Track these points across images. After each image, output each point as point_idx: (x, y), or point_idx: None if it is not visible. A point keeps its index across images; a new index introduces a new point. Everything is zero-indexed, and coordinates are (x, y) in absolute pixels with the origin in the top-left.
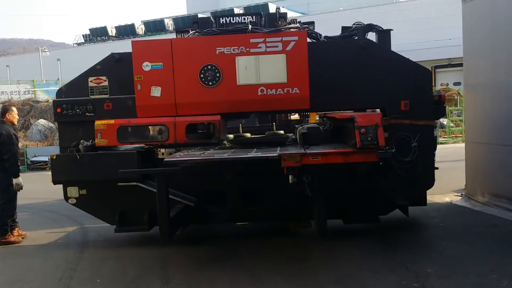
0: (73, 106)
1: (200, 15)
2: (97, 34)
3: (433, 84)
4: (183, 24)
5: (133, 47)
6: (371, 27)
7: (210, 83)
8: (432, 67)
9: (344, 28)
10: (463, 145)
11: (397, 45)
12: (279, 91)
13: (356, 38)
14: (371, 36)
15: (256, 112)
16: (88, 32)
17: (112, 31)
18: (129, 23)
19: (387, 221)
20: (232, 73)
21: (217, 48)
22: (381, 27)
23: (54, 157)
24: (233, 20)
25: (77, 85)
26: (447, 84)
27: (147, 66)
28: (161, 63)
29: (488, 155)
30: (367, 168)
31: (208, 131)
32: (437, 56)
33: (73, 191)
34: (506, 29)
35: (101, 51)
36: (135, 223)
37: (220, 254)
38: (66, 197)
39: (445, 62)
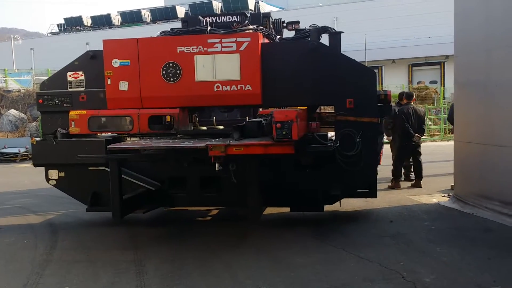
0: (53, 98)
1: (178, 7)
2: (72, 24)
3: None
4: (161, 15)
5: (104, 45)
6: (325, 29)
7: (172, 79)
8: (409, 65)
9: (297, 30)
10: (441, 143)
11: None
12: (233, 88)
13: (309, 39)
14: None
15: (212, 106)
16: (63, 22)
17: (87, 21)
18: (105, 13)
19: (376, 223)
20: (191, 71)
21: (178, 47)
22: (334, 29)
23: (35, 142)
24: (219, 19)
25: (58, 79)
26: (424, 83)
27: (116, 62)
28: (129, 60)
29: (479, 155)
30: (310, 160)
31: (169, 122)
32: (414, 54)
33: (54, 174)
34: (502, 24)
35: (75, 41)
36: (106, 205)
37: (197, 256)
38: (47, 179)
39: (422, 60)
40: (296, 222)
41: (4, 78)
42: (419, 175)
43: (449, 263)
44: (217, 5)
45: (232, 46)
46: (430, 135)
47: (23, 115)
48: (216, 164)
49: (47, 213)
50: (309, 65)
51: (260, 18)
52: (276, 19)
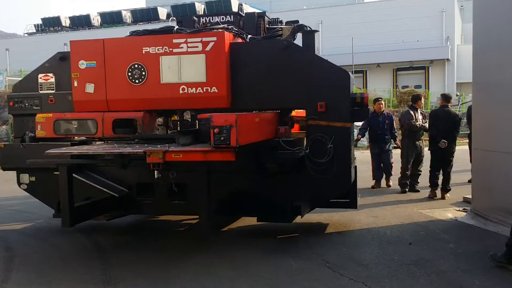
0: (23, 100)
1: (159, 8)
2: (50, 24)
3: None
4: (142, 16)
5: (71, 46)
6: (300, 27)
7: (137, 81)
8: (393, 69)
9: (269, 29)
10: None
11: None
12: (199, 90)
13: (281, 38)
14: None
15: (178, 110)
16: (41, 22)
17: (66, 22)
18: (84, 13)
19: (392, 246)
20: (157, 72)
21: (143, 48)
22: (309, 27)
23: (3, 146)
24: (213, 19)
25: (30, 81)
26: (413, 87)
27: (82, 64)
28: (95, 62)
29: (503, 166)
30: (276, 167)
31: (133, 126)
32: (399, 59)
33: (25, 178)
34: None
35: (53, 42)
36: None
37: (171, 266)
38: (19, 183)
39: (407, 65)
40: (296, 243)
41: None
42: (444, 188)
43: None
44: (200, 7)
45: (197, 46)
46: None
47: None
48: (155, 172)
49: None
50: (279, 66)
51: (255, 18)
52: (273, 18)
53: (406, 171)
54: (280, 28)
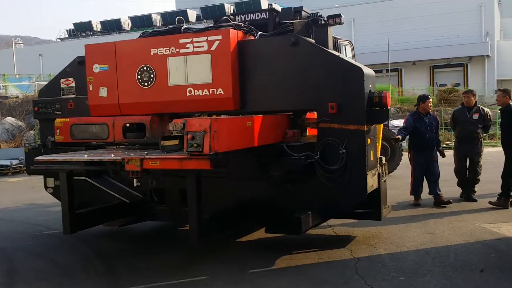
0: (46, 105)
1: (189, 11)
2: (82, 29)
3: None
4: (172, 19)
5: (86, 50)
6: (315, 21)
7: (146, 84)
8: (430, 67)
9: (279, 24)
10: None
11: (391, 45)
12: (205, 92)
13: (291, 34)
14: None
15: (185, 113)
16: (73, 27)
17: (97, 26)
18: (115, 18)
19: (461, 273)
20: (165, 74)
21: (151, 50)
22: (324, 20)
23: (27, 151)
24: (248, 17)
25: (54, 86)
26: (453, 84)
27: (96, 68)
28: (107, 65)
29: None
30: (281, 175)
31: (144, 131)
32: (436, 56)
33: (50, 182)
34: None
35: (84, 47)
36: None
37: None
38: (46, 187)
39: (444, 62)
40: (343, 269)
41: (4, 84)
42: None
43: None
44: (229, 8)
45: (203, 46)
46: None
47: (20, 123)
48: (134, 180)
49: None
50: (288, 64)
51: (292, 14)
52: (312, 13)
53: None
54: (291, 22)
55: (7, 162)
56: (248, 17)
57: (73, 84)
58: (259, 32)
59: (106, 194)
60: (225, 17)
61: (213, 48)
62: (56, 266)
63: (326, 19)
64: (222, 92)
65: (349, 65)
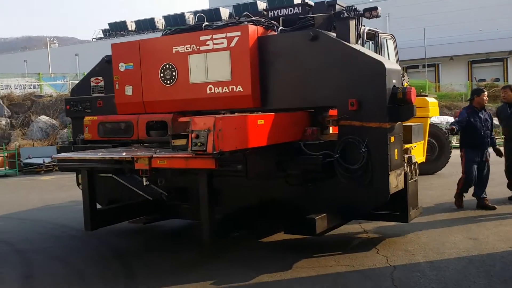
0: (77, 104)
1: (222, 9)
2: (116, 29)
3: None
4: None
5: (112, 49)
6: (338, 14)
7: (168, 82)
8: (468, 62)
9: (300, 18)
10: None
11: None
12: (225, 90)
13: (311, 28)
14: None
15: (207, 111)
16: (108, 27)
17: (131, 26)
18: (149, 17)
19: None
20: (186, 72)
21: (173, 47)
22: (348, 14)
23: (59, 148)
24: (280, 12)
25: (84, 85)
26: (493, 79)
27: (122, 66)
28: (132, 64)
29: None
30: (298, 174)
31: (165, 129)
32: (474, 51)
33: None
34: None
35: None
36: None
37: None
38: (78, 183)
39: (483, 57)
40: (378, 280)
41: (39, 83)
42: None
43: None
44: (261, 5)
45: (223, 43)
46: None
47: (54, 122)
48: (144, 179)
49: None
50: (308, 59)
51: (325, 8)
52: (348, 6)
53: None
54: (312, 16)
55: (40, 161)
56: (281, 13)
57: (102, 83)
58: (280, 27)
59: (132, 191)
60: (246, 13)
61: (232, 44)
62: (74, 270)
63: (362, 12)
64: (241, 89)
65: (369, 59)
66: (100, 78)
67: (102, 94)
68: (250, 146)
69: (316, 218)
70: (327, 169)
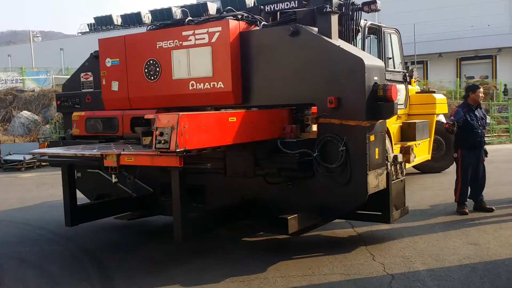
0: (67, 99)
1: (209, 4)
2: (102, 23)
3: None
4: (192, 12)
5: (99, 44)
6: (320, 8)
7: (152, 78)
8: (457, 59)
9: (282, 13)
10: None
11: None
12: (206, 86)
13: (292, 24)
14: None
15: (189, 107)
16: (93, 21)
17: (117, 20)
18: (135, 11)
19: None
20: (169, 68)
21: (157, 43)
22: (331, 8)
23: (49, 143)
24: (277, 7)
25: (75, 80)
26: (483, 77)
27: (108, 62)
28: (118, 59)
29: None
30: (275, 172)
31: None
32: (463, 48)
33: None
34: None
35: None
36: None
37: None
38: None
39: (472, 54)
40: (374, 283)
41: (21, 78)
42: None
43: None
44: (250, 0)
45: (204, 38)
46: (495, 136)
47: (36, 117)
48: (113, 176)
49: None
50: (289, 55)
51: (322, 1)
52: (345, 1)
53: None
54: (294, 11)
55: (20, 157)
56: (277, 7)
57: (91, 78)
58: (262, 22)
59: (117, 187)
60: (228, 7)
61: (213, 40)
62: (49, 276)
63: (360, 6)
64: (222, 86)
65: (348, 55)
66: (90, 73)
67: (91, 90)
68: (220, 144)
69: (288, 217)
70: (305, 168)
